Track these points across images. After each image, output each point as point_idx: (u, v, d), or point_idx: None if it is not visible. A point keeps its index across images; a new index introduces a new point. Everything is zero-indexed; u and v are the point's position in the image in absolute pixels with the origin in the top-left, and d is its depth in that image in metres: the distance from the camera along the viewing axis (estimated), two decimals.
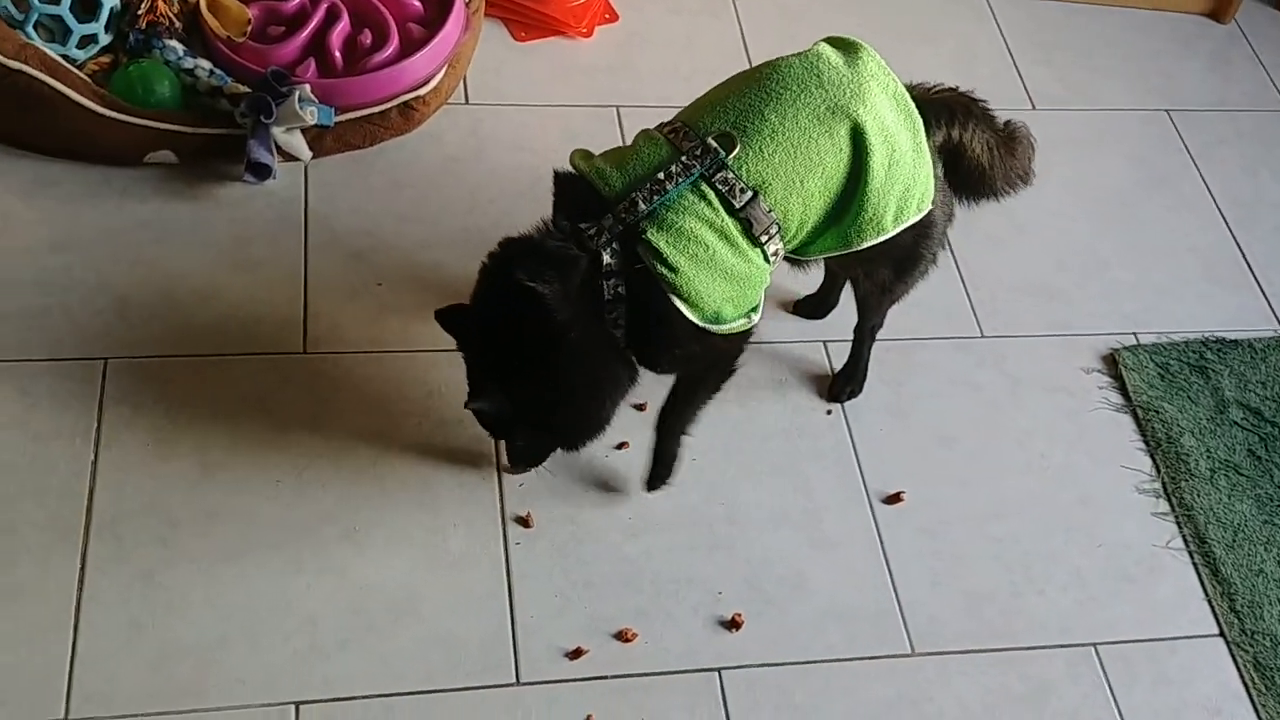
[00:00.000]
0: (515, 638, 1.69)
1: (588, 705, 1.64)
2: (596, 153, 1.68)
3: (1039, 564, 1.89)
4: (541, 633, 1.70)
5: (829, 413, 2.01)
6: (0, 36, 1.99)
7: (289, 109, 2.02)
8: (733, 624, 1.74)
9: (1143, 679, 1.80)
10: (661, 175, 1.57)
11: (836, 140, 1.60)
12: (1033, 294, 2.23)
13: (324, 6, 2.19)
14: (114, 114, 2.02)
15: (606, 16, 2.52)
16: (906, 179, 1.66)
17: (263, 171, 2.07)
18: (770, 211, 1.59)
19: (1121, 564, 1.91)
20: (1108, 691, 1.77)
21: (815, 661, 1.74)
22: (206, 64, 2.11)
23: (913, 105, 1.68)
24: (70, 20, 2.05)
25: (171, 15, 2.12)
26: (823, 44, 1.68)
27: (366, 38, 2.19)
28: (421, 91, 2.18)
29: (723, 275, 1.58)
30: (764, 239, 1.60)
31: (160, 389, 1.86)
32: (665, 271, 1.55)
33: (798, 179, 1.59)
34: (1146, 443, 2.06)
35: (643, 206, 1.56)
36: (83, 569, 1.67)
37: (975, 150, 1.80)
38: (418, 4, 2.25)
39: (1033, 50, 2.65)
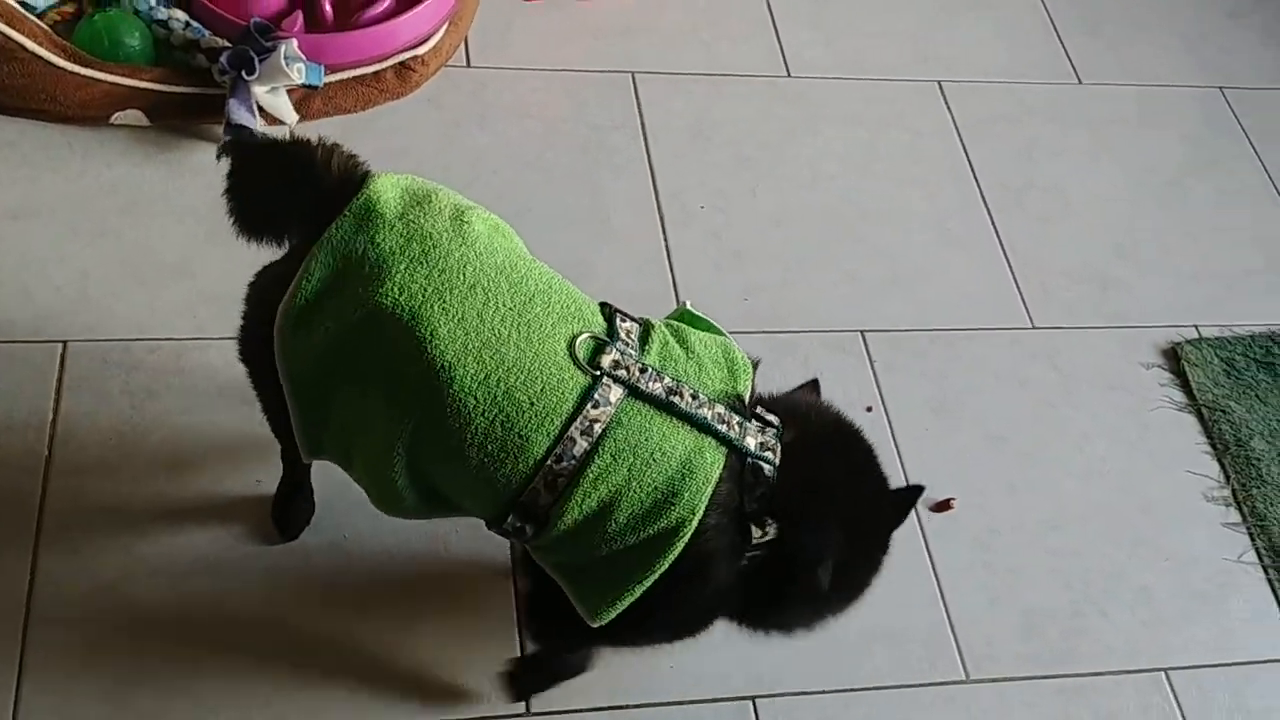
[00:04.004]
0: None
1: None
2: None
3: (1101, 580, 1.72)
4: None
5: (869, 409, 1.82)
6: None
7: (273, 66, 1.82)
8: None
9: (1219, 708, 1.63)
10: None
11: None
12: (1086, 282, 2.05)
13: None
14: (77, 68, 1.81)
15: None
16: None
17: (244, 134, 1.86)
18: None
19: (1191, 580, 1.74)
20: None
21: (860, 689, 1.56)
22: (182, 14, 1.90)
23: None
24: None
25: None
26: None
27: None
28: (419, 51, 1.98)
29: None
30: None
31: (125, 376, 1.66)
32: None
33: None
34: (1213, 445, 1.88)
35: None
36: (32, 580, 1.46)
37: None
38: None
39: (1079, 21, 2.47)
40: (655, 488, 1.15)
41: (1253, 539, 1.79)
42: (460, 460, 1.16)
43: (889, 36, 2.34)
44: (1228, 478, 1.84)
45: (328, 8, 1.97)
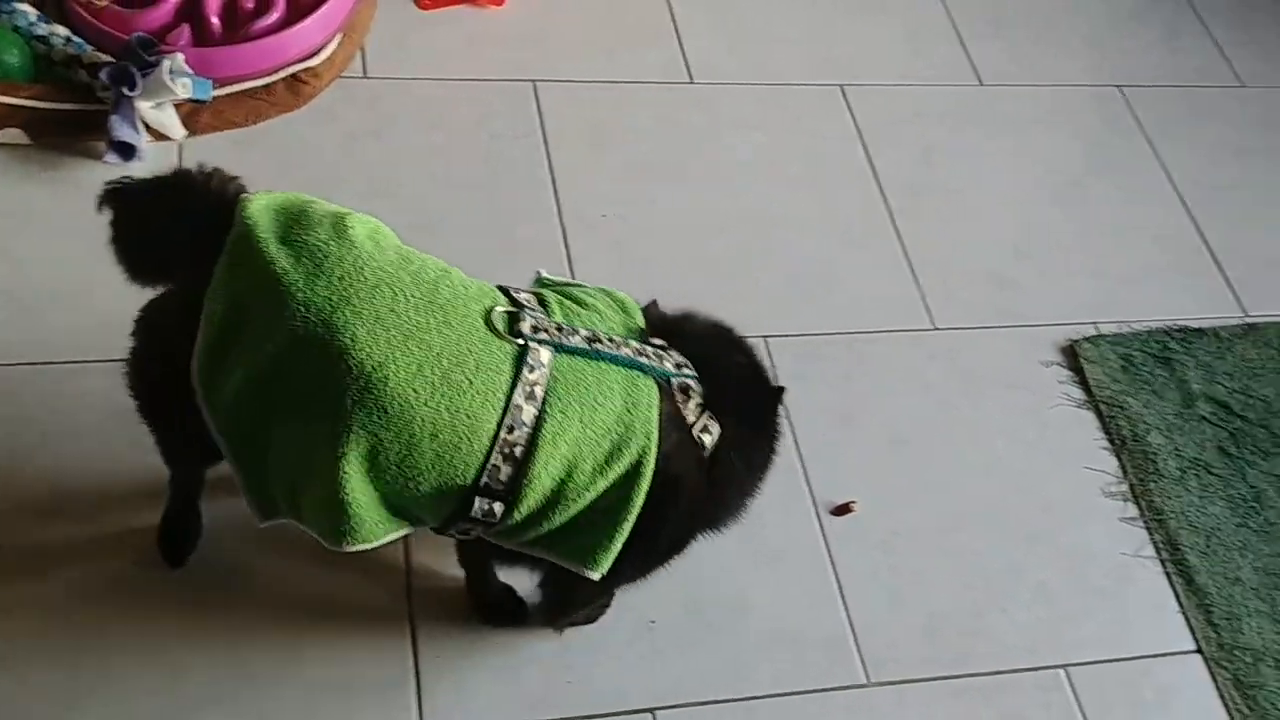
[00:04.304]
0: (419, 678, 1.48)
1: None
2: None
3: (1001, 579, 1.73)
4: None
5: None
6: None
7: (157, 81, 1.78)
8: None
9: (1117, 703, 1.64)
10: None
11: None
12: (986, 282, 2.07)
13: None
14: None
15: None
16: None
17: (127, 151, 1.83)
18: None
19: (1089, 576, 1.76)
20: (1081, 718, 1.61)
21: (761, 697, 1.56)
22: (63, 30, 1.86)
23: None
24: None
25: None
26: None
27: (249, 1, 1.96)
28: (312, 62, 1.95)
29: None
30: None
31: (12, 403, 1.61)
32: None
33: None
34: (1111, 441, 1.90)
35: None
36: None
37: None
38: None
39: (981, 23, 2.49)
40: (608, 429, 1.21)
41: (1150, 533, 1.81)
42: (415, 457, 1.16)
43: (791, 41, 2.35)
44: (1125, 472, 1.87)
45: (215, 20, 1.94)
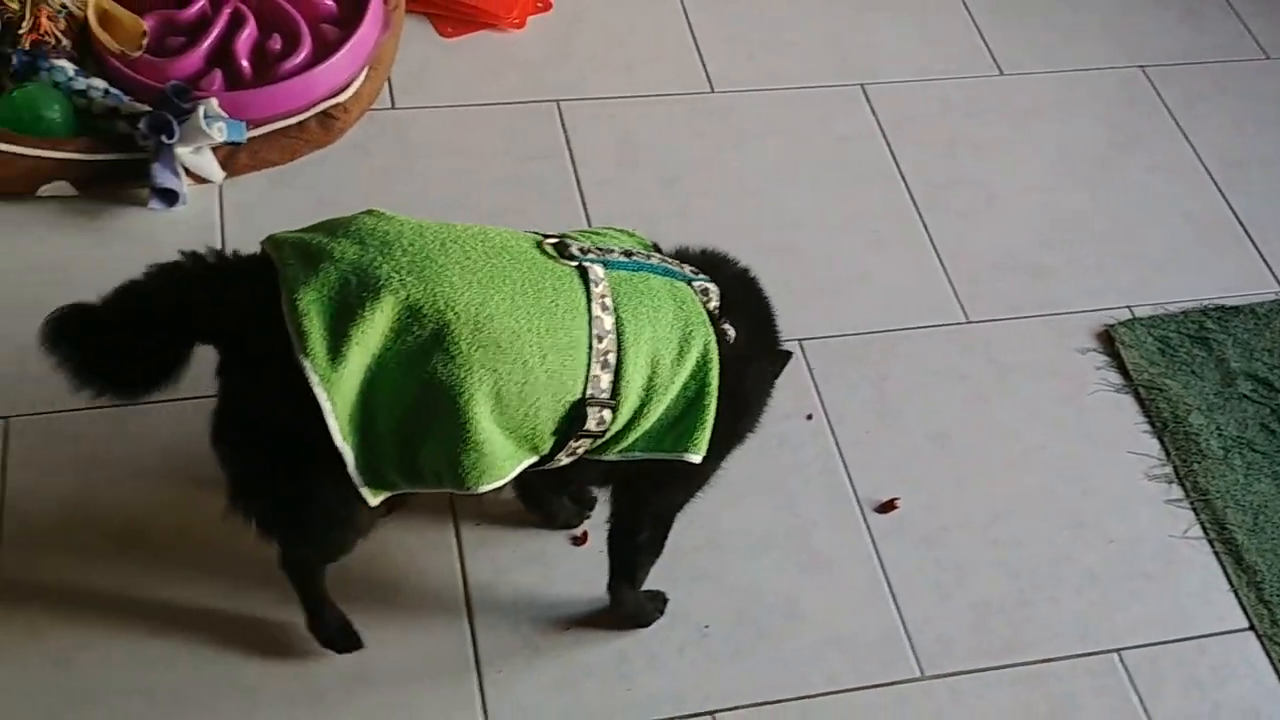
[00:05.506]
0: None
1: None
2: None
3: (1048, 566, 1.74)
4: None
5: (809, 417, 1.84)
6: None
7: (194, 126, 1.83)
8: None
9: (1172, 684, 1.65)
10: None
11: None
12: (1017, 272, 2.08)
13: (227, 11, 2.00)
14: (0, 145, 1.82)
15: (538, 5, 2.34)
16: None
17: (170, 197, 1.88)
18: None
19: (1137, 559, 1.77)
20: (1136, 702, 1.63)
21: (817, 695, 1.58)
22: (100, 83, 1.91)
23: None
24: None
25: (58, 32, 1.93)
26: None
27: (276, 43, 2.01)
28: (341, 98, 2.00)
29: None
30: None
31: (72, 447, 1.67)
32: None
33: None
34: (1152, 424, 1.91)
35: None
36: None
37: None
38: (330, 2, 2.07)
39: (997, 13, 2.50)
40: (672, 325, 1.29)
41: (1196, 514, 1.81)
42: (532, 382, 1.23)
43: (809, 44, 2.37)
44: (1168, 455, 1.87)
45: (245, 63, 1.99)
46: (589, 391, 1.26)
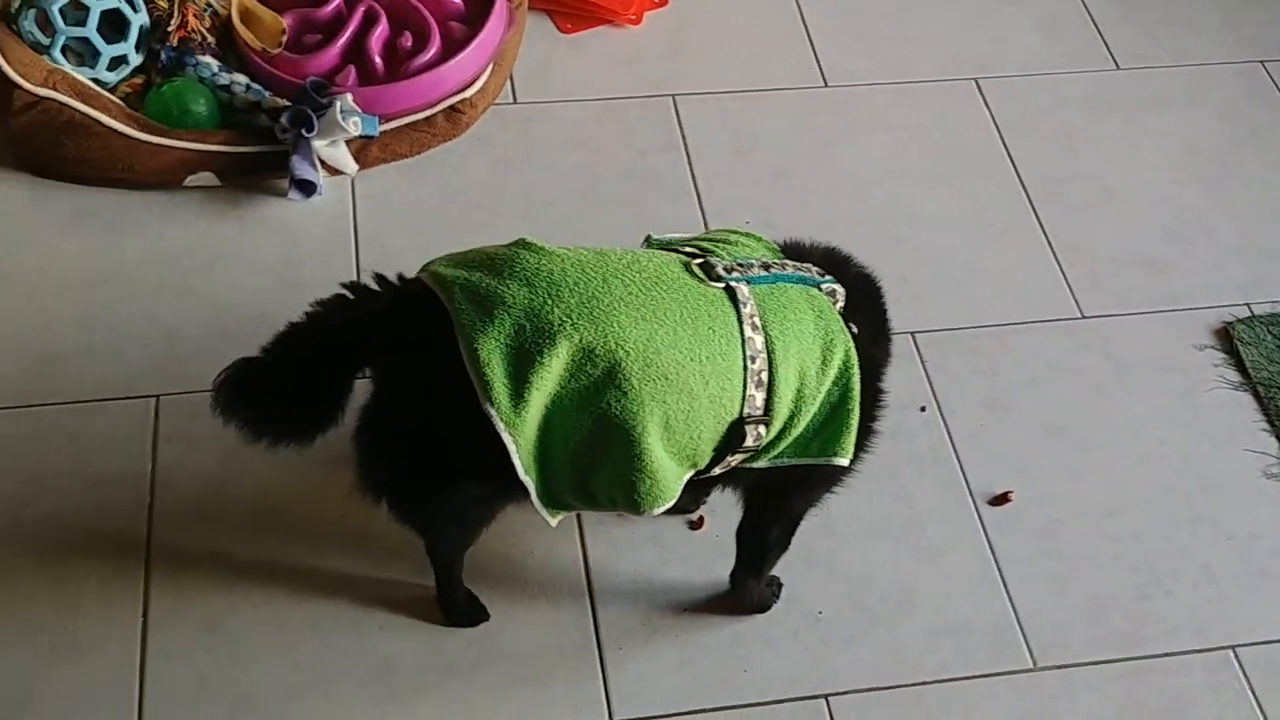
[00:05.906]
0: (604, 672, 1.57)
1: None
2: None
3: (1165, 562, 1.74)
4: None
5: (923, 409, 1.87)
6: (27, 63, 1.91)
7: (331, 120, 1.92)
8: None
9: None
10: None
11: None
12: (1133, 267, 2.07)
13: (361, 10, 2.08)
14: (150, 137, 1.93)
15: (655, 1, 2.39)
16: None
17: (308, 188, 1.97)
18: None
19: (1254, 556, 1.76)
20: (1252, 700, 1.62)
21: (929, 682, 1.61)
22: (243, 78, 2.01)
23: None
24: (98, 42, 1.96)
25: (203, 30, 2.03)
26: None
27: (407, 40, 2.09)
28: (468, 93, 2.07)
29: None
30: None
31: (216, 425, 1.75)
32: None
33: None
34: (1271, 422, 1.89)
35: None
36: (145, 622, 1.57)
37: None
38: (458, 1, 2.14)
39: (1115, 7, 2.48)
40: (814, 336, 1.33)
41: None
42: (697, 409, 1.28)
43: (923, 39, 2.38)
44: None
45: (378, 60, 2.06)
46: (745, 410, 1.31)
